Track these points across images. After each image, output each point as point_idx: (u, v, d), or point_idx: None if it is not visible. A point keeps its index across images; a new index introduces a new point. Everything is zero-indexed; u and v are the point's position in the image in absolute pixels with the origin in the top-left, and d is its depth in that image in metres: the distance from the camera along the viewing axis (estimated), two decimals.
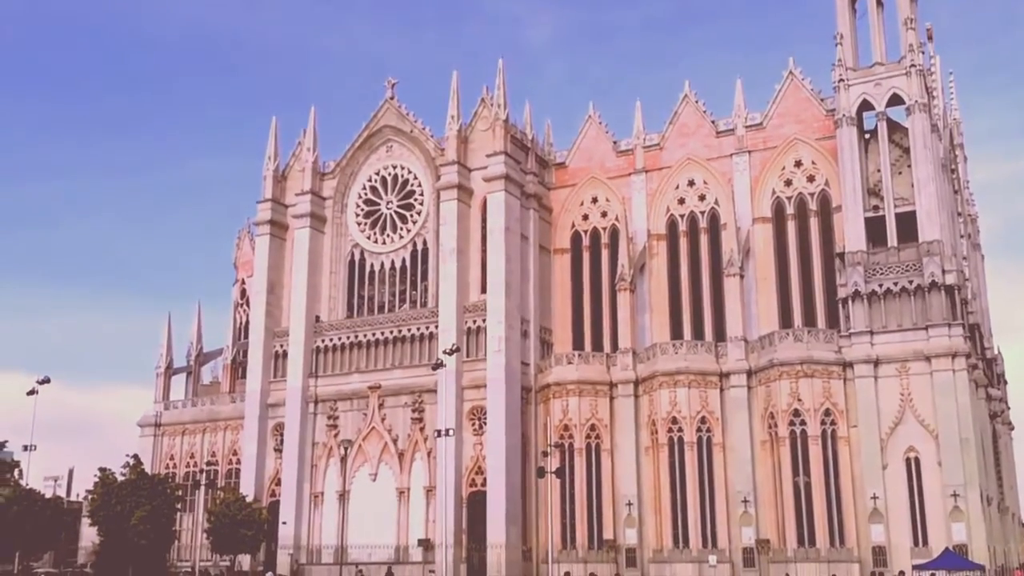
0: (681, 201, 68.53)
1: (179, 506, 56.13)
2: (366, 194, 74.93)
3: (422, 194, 72.46)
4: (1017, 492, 74.67)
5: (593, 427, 63.20)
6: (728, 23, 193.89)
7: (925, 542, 53.81)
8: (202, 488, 63.98)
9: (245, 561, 64.26)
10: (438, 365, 45.15)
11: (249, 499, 62.24)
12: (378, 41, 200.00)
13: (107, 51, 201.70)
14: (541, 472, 55.19)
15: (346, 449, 65.10)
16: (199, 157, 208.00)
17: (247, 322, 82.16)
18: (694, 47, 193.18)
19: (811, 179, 64.67)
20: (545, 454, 62.27)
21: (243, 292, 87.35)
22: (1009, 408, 75.96)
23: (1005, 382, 76.70)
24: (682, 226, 68.26)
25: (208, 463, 73.92)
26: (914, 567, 48.33)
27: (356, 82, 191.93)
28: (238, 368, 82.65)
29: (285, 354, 73.46)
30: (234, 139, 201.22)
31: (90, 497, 48.40)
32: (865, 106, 62.14)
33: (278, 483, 70.30)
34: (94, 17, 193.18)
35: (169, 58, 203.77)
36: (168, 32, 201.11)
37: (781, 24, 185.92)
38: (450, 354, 46.56)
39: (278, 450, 71.38)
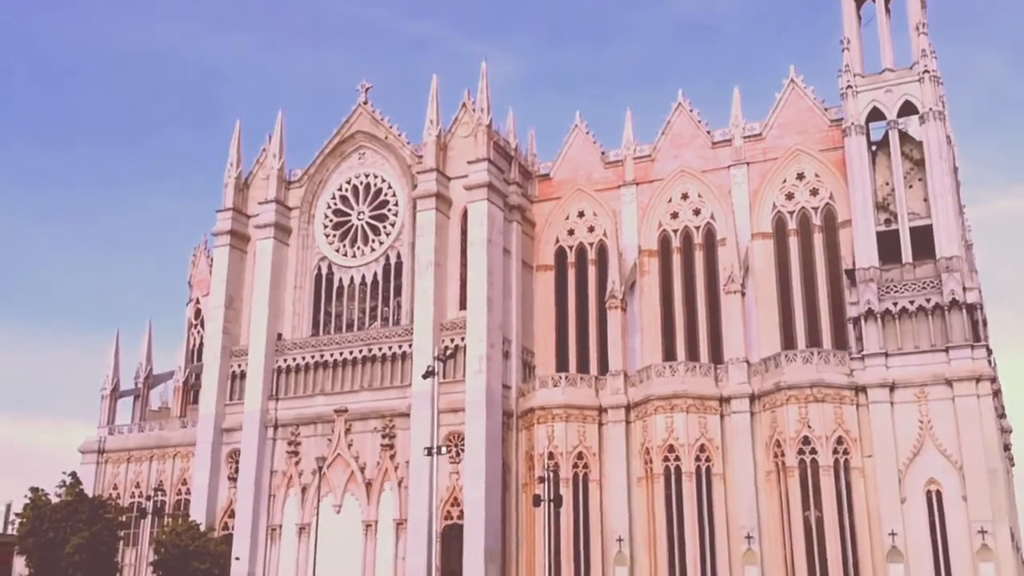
0: (674, 215, 64.18)
1: (122, 534, 49.84)
2: (335, 204, 69.71)
3: (396, 204, 67.45)
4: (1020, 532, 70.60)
5: (580, 455, 58.06)
6: (725, 38, 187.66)
7: None
8: (149, 517, 57.57)
9: None
10: (429, 374, 39.74)
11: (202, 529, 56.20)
12: (351, 47, 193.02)
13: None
14: (537, 500, 49.68)
15: (318, 475, 59.08)
16: (154, 173, 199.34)
17: (201, 344, 76.58)
18: (689, 59, 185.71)
19: (814, 192, 60.68)
20: (527, 485, 57.30)
21: (198, 312, 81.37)
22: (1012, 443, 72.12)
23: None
24: (675, 242, 63.82)
25: (155, 491, 67.27)
26: None
27: (328, 88, 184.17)
28: (190, 391, 76.47)
29: (243, 374, 67.55)
30: (194, 154, 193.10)
31: (18, 522, 42.05)
32: (872, 116, 58.52)
33: (231, 515, 63.97)
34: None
35: (124, 67, 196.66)
36: (127, 42, 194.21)
37: (778, 39, 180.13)
38: (434, 369, 40.92)
39: (232, 479, 65.10)
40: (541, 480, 56.61)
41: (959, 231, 54.41)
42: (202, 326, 77.88)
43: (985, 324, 55.43)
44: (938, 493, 50.66)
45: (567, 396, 58.99)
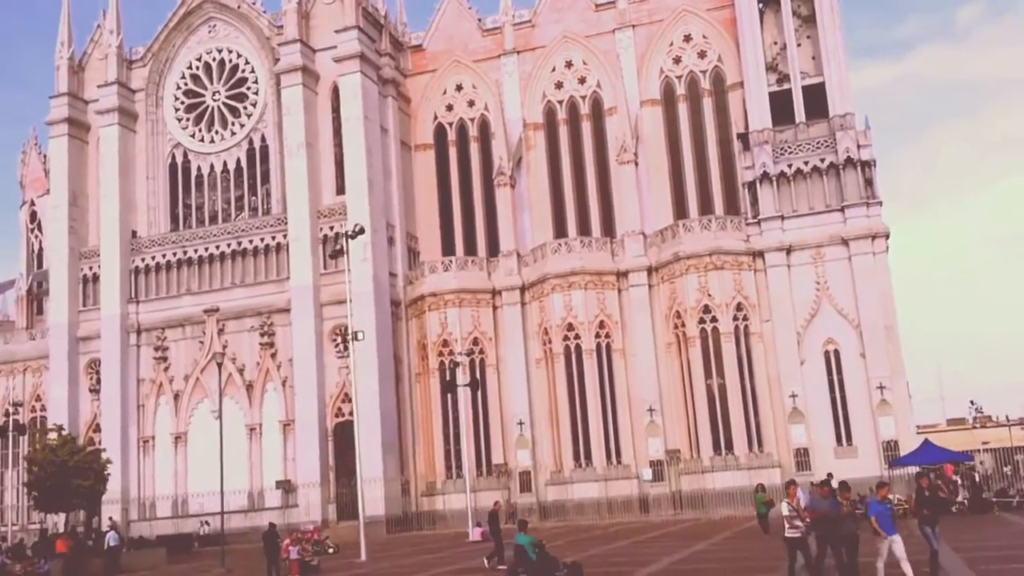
0: (559, 85, 60.93)
1: None
2: (186, 84, 63.04)
3: (256, 82, 61.45)
4: None
5: (476, 341, 55.56)
6: None
7: (849, 440, 49.79)
8: (10, 436, 51.79)
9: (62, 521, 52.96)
10: (337, 253, 35.43)
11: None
12: None
13: None
14: (451, 386, 46.86)
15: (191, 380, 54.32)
16: None
17: (42, 248, 69.41)
18: None
19: (702, 55, 58.51)
20: (420, 375, 54.79)
21: (34, 215, 73.54)
22: None
23: None
24: (561, 113, 60.81)
25: (14, 406, 60.75)
26: (893, 463, 44.03)
27: None
28: (35, 300, 69.49)
29: (96, 277, 61.35)
30: (15, 32, 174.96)
31: None
32: None
33: (96, 429, 58.85)
34: None
35: None
36: None
37: None
38: (353, 237, 37.16)
39: (95, 391, 59.68)
40: (437, 369, 54.38)
41: (851, 88, 53.35)
42: (40, 229, 70.67)
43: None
44: (836, 352, 50.77)
45: (459, 280, 56.05)
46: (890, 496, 18.17)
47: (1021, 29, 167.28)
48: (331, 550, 39.62)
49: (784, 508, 17.73)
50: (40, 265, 69.72)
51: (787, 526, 17.55)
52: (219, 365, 43.05)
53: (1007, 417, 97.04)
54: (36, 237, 71.97)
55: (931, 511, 18.13)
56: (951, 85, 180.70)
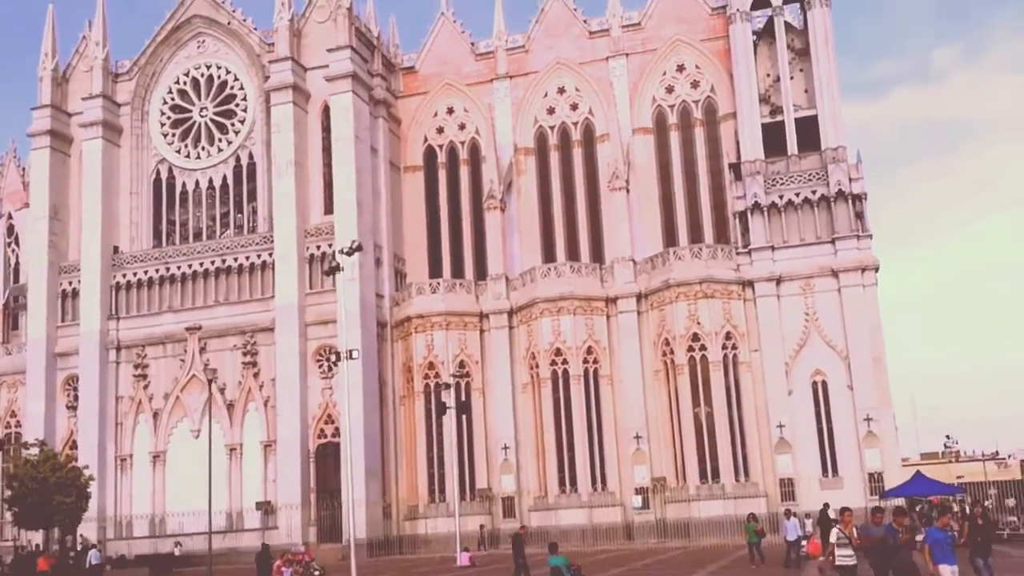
0: (551, 111, 60.93)
1: None
2: (173, 99, 62.44)
3: (245, 98, 60.98)
4: None
5: (462, 364, 55.02)
6: None
7: (835, 471, 49.70)
8: None
9: (37, 538, 51.73)
10: (333, 270, 34.62)
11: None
12: None
13: None
14: (442, 408, 46.36)
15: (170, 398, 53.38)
16: None
17: (19, 263, 68.32)
18: None
19: (695, 85, 58.78)
20: (405, 397, 54.16)
21: (11, 228, 72.35)
22: None
23: None
24: (552, 139, 60.78)
25: None
26: (884, 494, 43.90)
27: None
28: (11, 315, 68.20)
29: (75, 292, 60.35)
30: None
31: None
32: (755, 5, 56.81)
33: (73, 446, 57.58)
34: None
35: None
36: None
37: None
38: (350, 253, 36.05)
39: (72, 407, 58.55)
40: (422, 392, 53.94)
41: (843, 122, 53.72)
42: (17, 243, 69.62)
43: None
44: (824, 384, 50.76)
45: (446, 303, 55.59)
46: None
47: (998, 70, 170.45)
48: (317, 572, 38.67)
49: (834, 535, 17.26)
50: (17, 279, 68.61)
51: (837, 554, 16.97)
52: (209, 382, 42.40)
53: (982, 453, 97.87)
54: (13, 251, 70.80)
55: (981, 540, 17.84)
56: (930, 123, 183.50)
